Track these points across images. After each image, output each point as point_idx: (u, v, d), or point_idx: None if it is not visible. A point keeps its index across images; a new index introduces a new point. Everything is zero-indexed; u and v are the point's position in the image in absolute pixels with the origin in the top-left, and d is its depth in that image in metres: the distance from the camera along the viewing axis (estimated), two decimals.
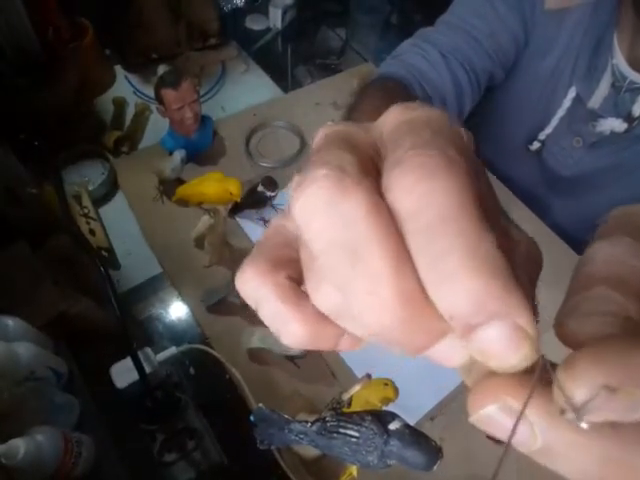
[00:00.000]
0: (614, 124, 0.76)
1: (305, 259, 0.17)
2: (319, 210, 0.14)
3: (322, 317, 0.16)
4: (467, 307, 0.13)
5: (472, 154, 0.15)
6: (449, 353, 0.15)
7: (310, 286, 0.16)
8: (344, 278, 0.14)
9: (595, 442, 0.12)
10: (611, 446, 0.12)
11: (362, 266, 0.13)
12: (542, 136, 0.87)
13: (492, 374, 0.14)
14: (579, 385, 0.12)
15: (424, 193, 0.13)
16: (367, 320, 0.14)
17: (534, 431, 0.13)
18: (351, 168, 0.14)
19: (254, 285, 0.17)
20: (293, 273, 0.17)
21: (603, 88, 0.75)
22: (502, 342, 0.13)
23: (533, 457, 0.14)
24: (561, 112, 0.82)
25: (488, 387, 0.14)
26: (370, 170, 0.15)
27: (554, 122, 0.84)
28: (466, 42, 0.79)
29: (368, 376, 0.57)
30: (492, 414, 0.13)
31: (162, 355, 0.67)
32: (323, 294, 0.16)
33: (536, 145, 0.88)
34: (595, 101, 0.77)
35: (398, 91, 0.73)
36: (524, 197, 0.93)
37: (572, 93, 0.79)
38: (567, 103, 0.80)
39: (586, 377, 0.12)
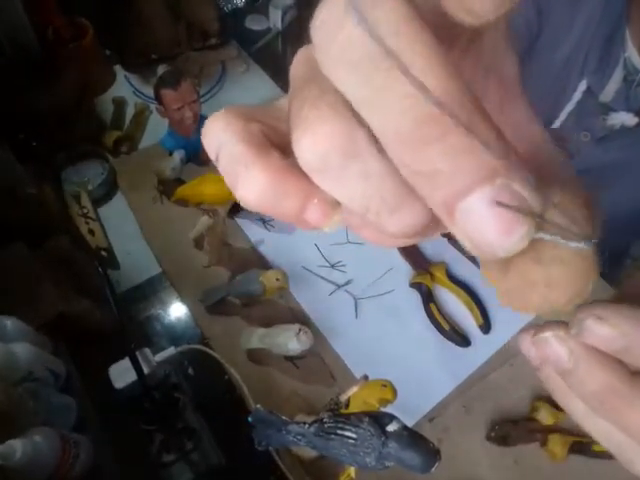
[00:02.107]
0: (625, 118, 0.76)
1: (299, 102, 0.14)
2: (346, 17, 0.12)
3: (289, 169, 0.15)
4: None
5: None
6: None
7: (299, 132, 0.14)
8: (380, 87, 0.12)
9: (600, 371, 0.17)
10: (613, 377, 0.16)
11: (398, 74, 0.11)
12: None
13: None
14: (580, 311, 0.16)
15: None
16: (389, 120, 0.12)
17: (571, 355, 0.17)
18: None
19: (219, 127, 0.15)
20: (271, 135, 0.16)
21: (615, 81, 0.75)
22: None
23: (561, 377, 0.18)
24: (570, 106, 0.81)
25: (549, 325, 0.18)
26: None
27: (562, 116, 0.83)
28: None
29: (365, 377, 0.57)
30: (546, 337, 0.17)
31: (161, 355, 0.67)
32: (317, 135, 0.13)
33: None
34: (607, 94, 0.76)
35: None
36: None
37: (583, 86, 0.78)
38: (577, 96, 0.80)
39: (585, 309, 0.16)
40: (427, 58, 0.12)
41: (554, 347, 0.17)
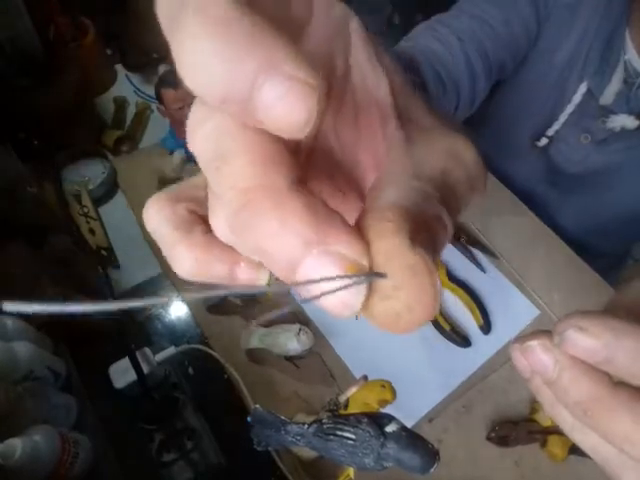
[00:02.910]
0: (626, 121, 0.76)
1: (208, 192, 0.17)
2: (196, 128, 0.14)
3: (212, 243, 0.17)
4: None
5: None
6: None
7: (209, 217, 0.17)
8: (216, 184, 0.14)
9: (584, 381, 0.17)
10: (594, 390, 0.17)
11: (227, 167, 0.14)
12: (550, 132, 0.86)
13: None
14: (562, 321, 0.17)
15: None
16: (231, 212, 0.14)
17: (556, 364, 0.17)
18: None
19: (153, 212, 0.18)
20: (197, 210, 0.18)
21: (615, 84, 0.75)
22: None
23: (547, 386, 0.18)
24: (570, 107, 0.81)
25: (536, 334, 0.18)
26: None
27: (563, 118, 0.83)
28: (481, 28, 0.76)
29: (364, 378, 0.57)
30: (533, 345, 0.18)
31: (161, 355, 0.67)
32: (215, 219, 0.16)
33: (544, 141, 0.87)
34: (607, 97, 0.76)
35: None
36: (524, 195, 0.92)
37: (583, 88, 0.78)
38: (577, 98, 0.80)
39: (567, 319, 0.17)
40: (248, 155, 0.13)
41: (540, 356, 0.18)
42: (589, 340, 0.16)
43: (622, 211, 0.87)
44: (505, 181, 0.93)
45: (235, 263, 0.17)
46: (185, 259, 0.17)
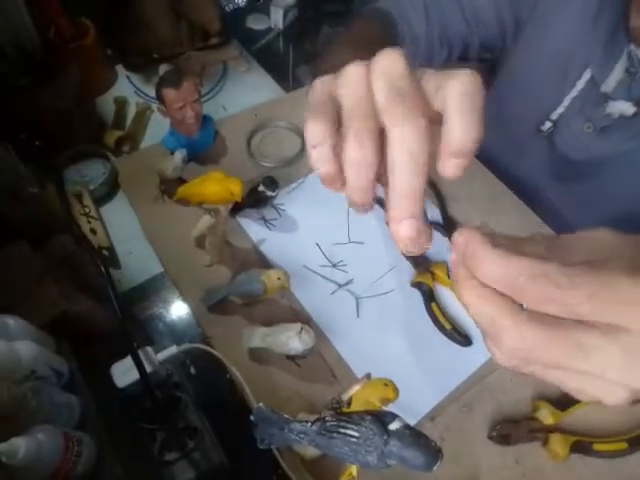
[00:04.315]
0: (623, 107, 0.76)
1: None
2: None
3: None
4: None
5: None
6: None
7: None
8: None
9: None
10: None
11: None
12: (554, 116, 0.86)
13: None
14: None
15: None
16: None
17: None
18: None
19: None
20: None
21: (617, 73, 0.75)
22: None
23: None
24: (574, 92, 0.82)
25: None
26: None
27: (566, 102, 0.83)
28: (449, 6, 0.86)
29: (367, 376, 0.57)
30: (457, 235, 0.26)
31: (163, 354, 0.67)
32: None
33: (547, 125, 0.88)
34: (608, 85, 0.77)
35: (372, 37, 0.81)
36: (527, 189, 0.93)
37: (587, 75, 0.79)
38: (581, 84, 0.80)
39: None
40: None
41: (458, 239, 0.26)
42: (461, 239, 0.25)
43: (625, 203, 0.87)
44: (508, 176, 0.94)
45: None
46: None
